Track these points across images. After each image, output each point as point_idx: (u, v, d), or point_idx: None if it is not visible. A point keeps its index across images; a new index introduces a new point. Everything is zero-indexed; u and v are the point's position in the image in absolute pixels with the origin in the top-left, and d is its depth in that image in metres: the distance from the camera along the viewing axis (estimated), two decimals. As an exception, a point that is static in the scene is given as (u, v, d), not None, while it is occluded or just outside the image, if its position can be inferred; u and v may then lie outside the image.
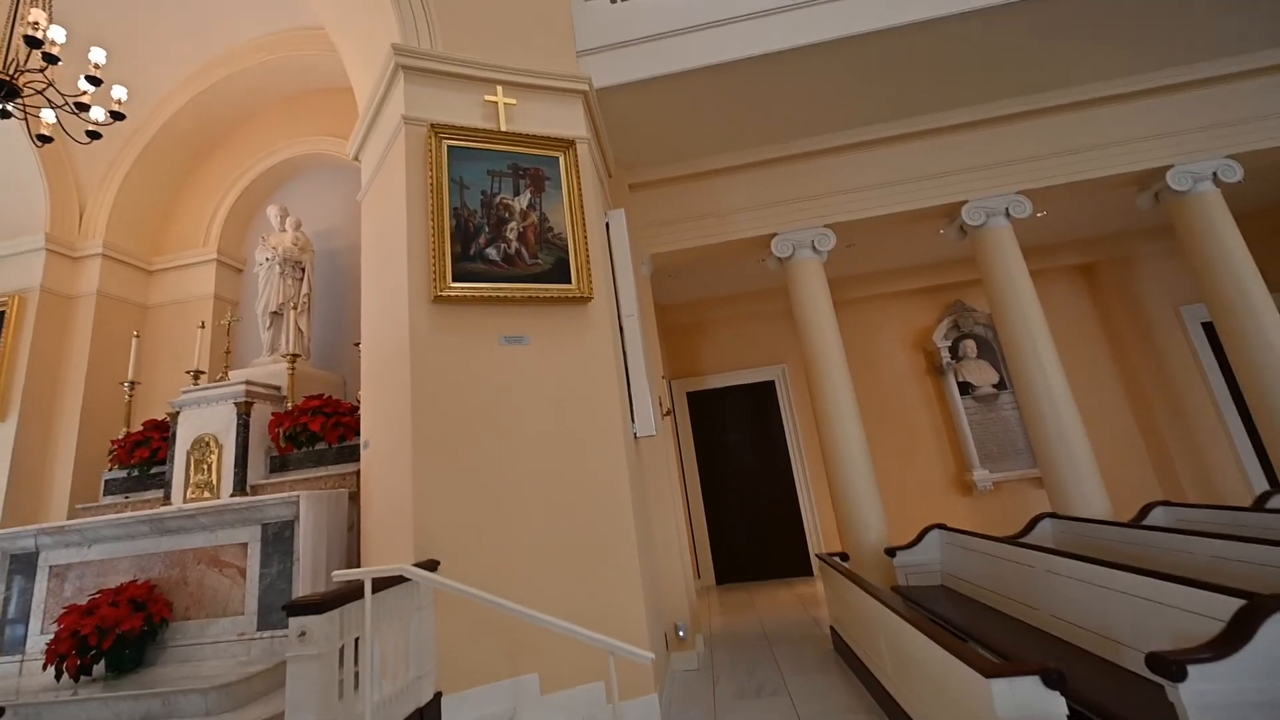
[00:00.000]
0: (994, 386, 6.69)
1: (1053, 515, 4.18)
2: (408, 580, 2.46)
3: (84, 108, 3.58)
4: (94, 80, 3.39)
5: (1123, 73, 4.66)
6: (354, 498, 3.80)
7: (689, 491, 6.85)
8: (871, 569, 4.32)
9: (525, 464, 3.01)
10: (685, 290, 6.74)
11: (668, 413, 4.87)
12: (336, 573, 2.19)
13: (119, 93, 3.74)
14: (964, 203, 4.79)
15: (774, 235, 4.94)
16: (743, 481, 6.89)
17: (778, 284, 6.73)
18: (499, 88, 3.59)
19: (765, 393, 7.07)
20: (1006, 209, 4.77)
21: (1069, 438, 4.35)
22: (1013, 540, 3.57)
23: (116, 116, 3.66)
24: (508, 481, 2.98)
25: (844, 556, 4.11)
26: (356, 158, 4.18)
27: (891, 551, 4.26)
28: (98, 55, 3.52)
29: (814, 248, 4.92)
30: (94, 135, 3.65)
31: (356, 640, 2.18)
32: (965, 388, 6.73)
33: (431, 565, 2.70)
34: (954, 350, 6.88)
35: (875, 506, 4.44)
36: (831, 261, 5.97)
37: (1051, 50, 4.33)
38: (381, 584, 2.32)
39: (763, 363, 7.13)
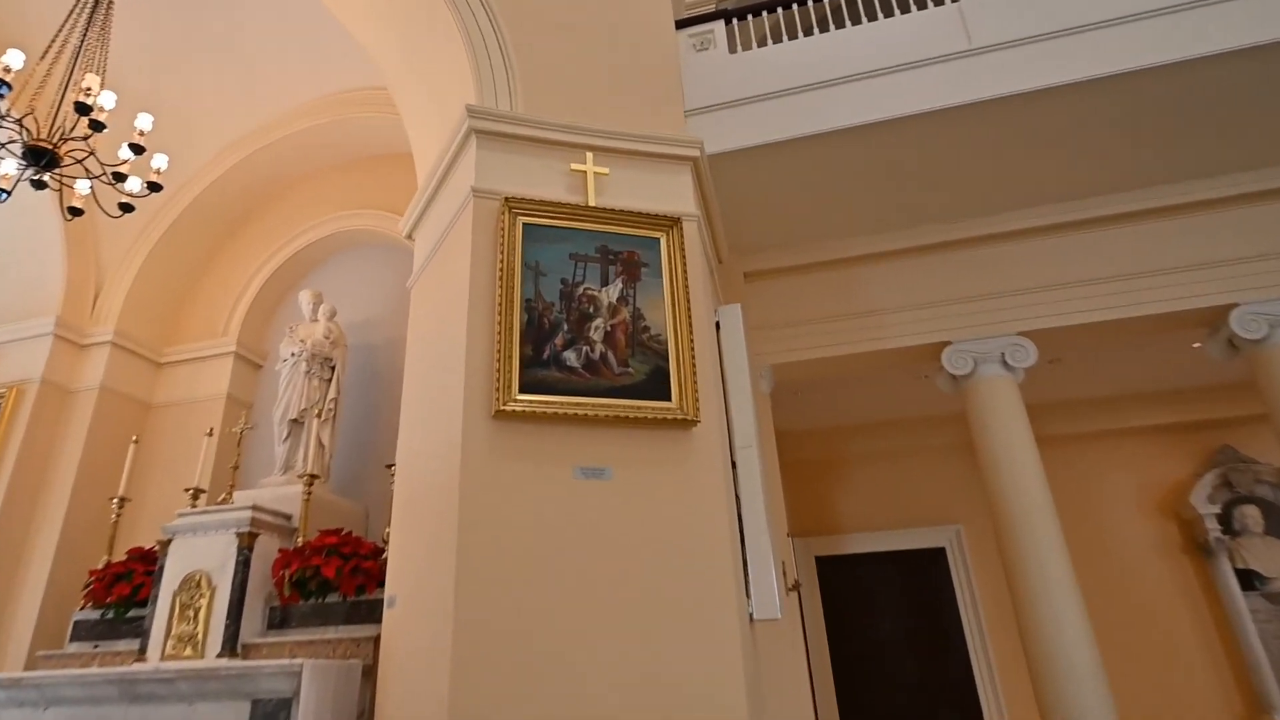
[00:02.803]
0: (1299, 581, 5.88)
1: None
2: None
3: (121, 178, 4.09)
4: (137, 148, 3.89)
5: None
6: (368, 672, 3.78)
7: (818, 700, 6.32)
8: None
9: (603, 650, 2.90)
10: (815, 414, 6.65)
11: (794, 586, 4.67)
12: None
13: (159, 162, 4.28)
14: (1233, 306, 4.53)
15: (945, 344, 4.87)
16: (898, 692, 6.35)
17: (949, 409, 6.49)
18: (589, 154, 3.82)
19: (931, 565, 6.68)
20: (1304, 317, 4.44)
21: None
22: None
23: (153, 188, 4.17)
24: (578, 672, 2.86)
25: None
26: (410, 236, 4.49)
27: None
28: (144, 121, 4.07)
29: (1004, 362, 4.82)
30: (126, 208, 4.17)
31: None
32: (1249, 578, 5.94)
33: (466, 781, 2.58)
34: (1225, 519, 6.17)
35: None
36: (1030, 382, 5.52)
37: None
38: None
39: (927, 520, 6.79)
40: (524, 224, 3.55)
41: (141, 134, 4.14)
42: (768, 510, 3.73)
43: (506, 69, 3.99)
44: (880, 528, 6.86)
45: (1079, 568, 6.08)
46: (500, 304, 3.35)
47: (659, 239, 3.68)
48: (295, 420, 5.29)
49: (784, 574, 4.24)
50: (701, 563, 3.13)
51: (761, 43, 4.67)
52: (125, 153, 4.21)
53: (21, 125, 3.86)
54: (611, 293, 3.52)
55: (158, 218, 6.31)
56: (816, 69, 4.31)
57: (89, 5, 4.28)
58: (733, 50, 4.58)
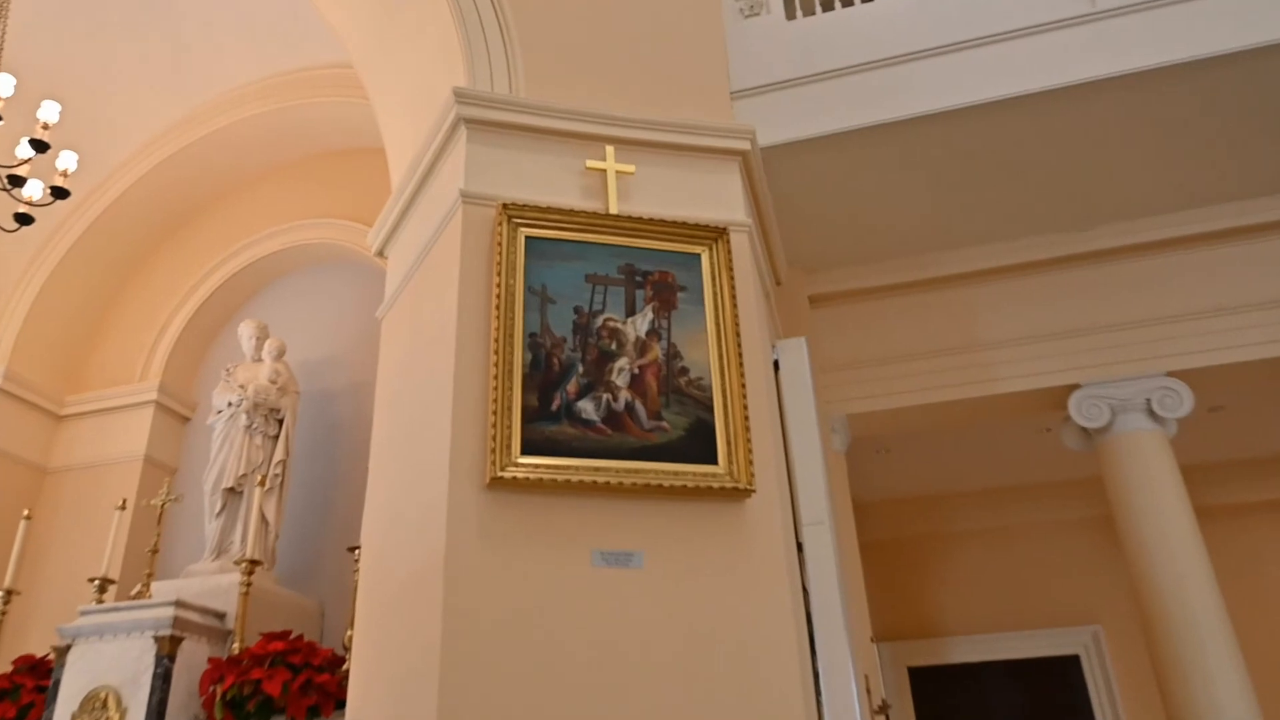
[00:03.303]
0: None
1: None
2: None
3: (18, 181, 4.17)
4: (39, 145, 3.96)
5: None
6: (323, 821, 3.75)
7: None
8: None
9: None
10: (904, 479, 6.64)
11: (881, 708, 4.60)
12: None
13: (67, 161, 4.36)
14: None
15: (1073, 388, 4.86)
16: None
17: (1079, 473, 6.47)
18: (609, 148, 3.85)
19: (1061, 677, 6.62)
20: None
21: None
22: None
23: (59, 194, 4.24)
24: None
25: None
26: (382, 253, 4.54)
27: None
28: (49, 111, 4.15)
29: (1151, 411, 4.80)
30: (24, 220, 4.25)
31: None
32: None
33: None
34: None
35: None
36: (1184, 436, 5.38)
37: None
38: None
39: (1056, 619, 6.74)
40: (527, 237, 3.57)
41: (45, 127, 4.21)
42: (845, 607, 3.66)
43: (505, 43, 4.06)
44: (993, 629, 6.80)
45: (1257, 680, 5.95)
46: (497, 340, 3.34)
47: (700, 255, 3.69)
48: (232, 489, 5.32)
49: (868, 691, 4.17)
50: (760, 676, 3.08)
51: (827, 6, 4.73)
52: (25, 150, 4.29)
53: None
54: (639, 324, 3.52)
55: (62, 231, 6.42)
56: (897, 38, 4.36)
57: (-19, -32, 4.41)
58: (791, 16, 4.62)
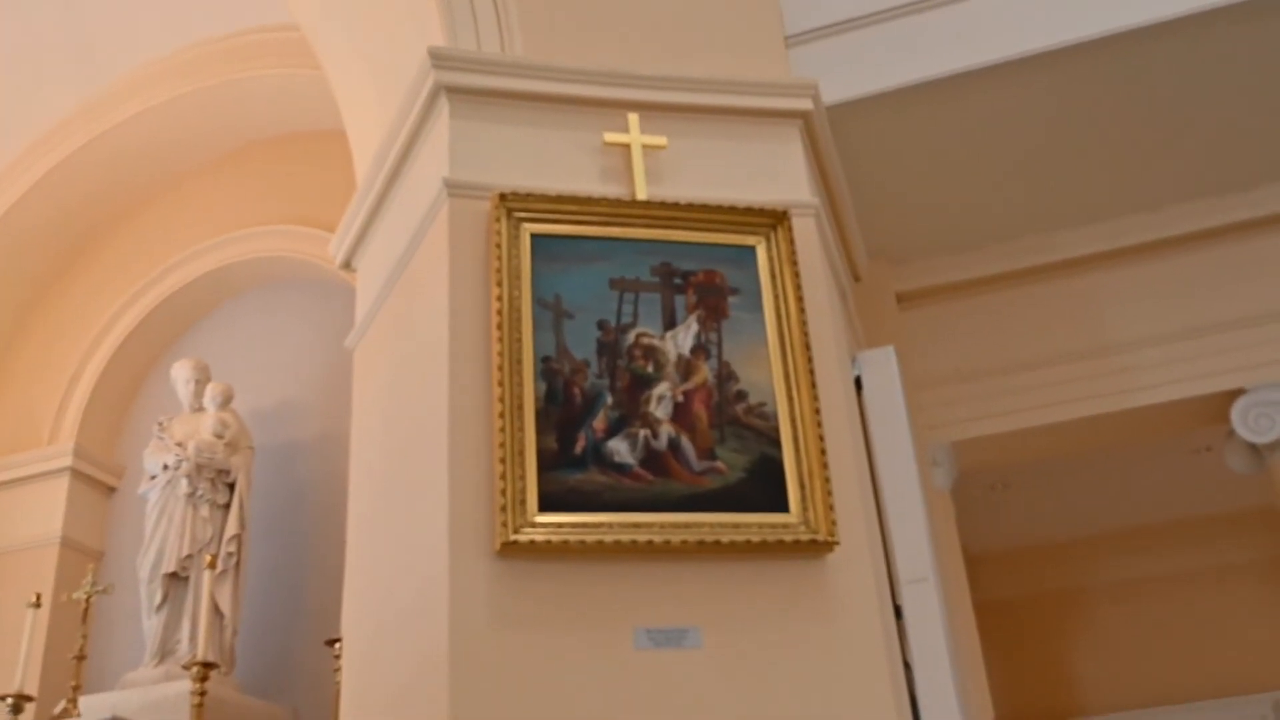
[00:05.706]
0: None
1: None
2: None
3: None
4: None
5: None
6: None
7: None
8: None
9: None
10: (1025, 521, 6.64)
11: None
12: None
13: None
14: None
15: (1236, 394, 4.83)
16: None
17: (1250, 503, 6.44)
18: (632, 116, 3.86)
19: None
20: None
21: None
22: None
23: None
24: None
25: None
26: (349, 265, 4.58)
27: None
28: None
29: None
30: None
31: None
32: None
33: None
34: None
35: None
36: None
37: None
38: None
39: (1224, 689, 6.66)
40: (532, 235, 3.58)
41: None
42: (958, 685, 3.65)
43: (495, -5, 4.09)
44: (1147, 704, 6.77)
45: None
46: (501, 368, 3.34)
47: (755, 247, 3.70)
48: (175, 575, 5.36)
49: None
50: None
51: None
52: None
53: None
54: (682, 339, 3.53)
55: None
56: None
57: None
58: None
